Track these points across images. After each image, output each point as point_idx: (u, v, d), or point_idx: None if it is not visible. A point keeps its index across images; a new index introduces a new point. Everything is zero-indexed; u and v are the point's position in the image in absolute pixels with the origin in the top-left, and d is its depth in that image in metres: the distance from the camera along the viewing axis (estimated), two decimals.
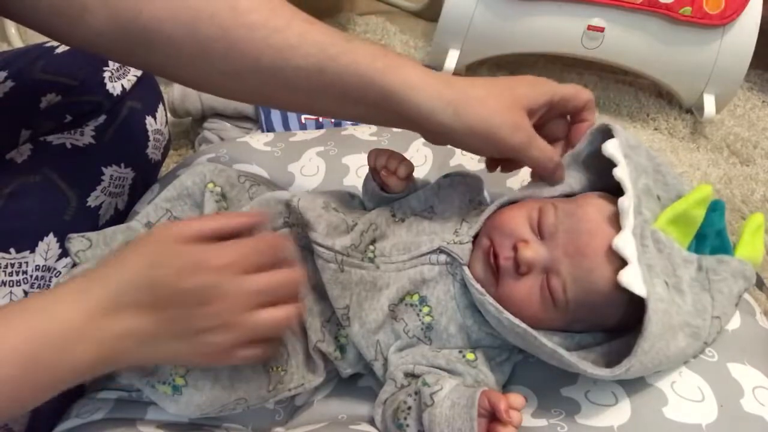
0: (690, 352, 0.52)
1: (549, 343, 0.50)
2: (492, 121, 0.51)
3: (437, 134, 0.53)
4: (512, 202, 0.57)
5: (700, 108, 1.20)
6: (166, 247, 0.45)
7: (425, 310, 0.54)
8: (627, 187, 0.51)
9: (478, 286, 0.52)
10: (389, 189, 0.59)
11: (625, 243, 0.49)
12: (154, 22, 0.50)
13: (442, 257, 0.55)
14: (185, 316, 0.44)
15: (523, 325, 0.50)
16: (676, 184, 0.56)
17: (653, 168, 0.55)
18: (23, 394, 0.41)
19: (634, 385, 0.52)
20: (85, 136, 0.68)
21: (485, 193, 0.63)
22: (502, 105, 0.51)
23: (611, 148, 0.53)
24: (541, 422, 0.52)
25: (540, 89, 0.54)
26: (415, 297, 0.55)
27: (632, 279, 0.47)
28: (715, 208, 0.55)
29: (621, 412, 0.51)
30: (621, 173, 0.51)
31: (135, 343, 0.44)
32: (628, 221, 0.49)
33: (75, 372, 0.43)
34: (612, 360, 0.50)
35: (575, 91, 0.56)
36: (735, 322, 0.58)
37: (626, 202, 0.50)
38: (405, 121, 0.53)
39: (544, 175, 0.56)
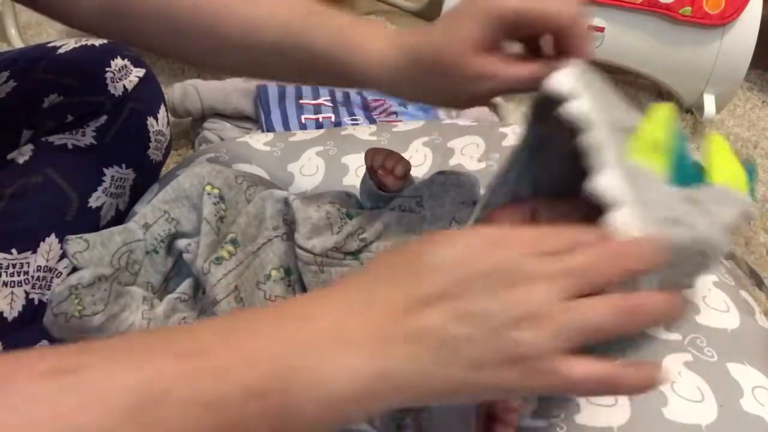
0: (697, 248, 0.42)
1: None
2: (453, 80, 0.46)
3: (399, 94, 0.52)
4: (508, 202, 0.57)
5: (700, 108, 1.20)
6: (438, 240, 0.35)
7: None
8: (589, 120, 0.40)
9: None
10: (386, 188, 0.59)
11: (608, 183, 0.37)
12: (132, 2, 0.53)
13: None
14: (485, 304, 0.32)
15: None
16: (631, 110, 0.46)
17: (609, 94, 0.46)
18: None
19: None
20: (87, 137, 0.68)
21: (480, 194, 0.63)
22: (460, 59, 0.45)
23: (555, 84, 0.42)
24: (541, 422, 0.52)
25: (491, 19, 0.44)
26: None
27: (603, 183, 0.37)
28: (680, 137, 0.45)
29: (621, 412, 0.51)
30: (572, 108, 0.40)
31: (412, 357, 0.32)
32: (603, 156, 0.38)
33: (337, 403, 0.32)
34: None
35: (539, 14, 0.44)
36: (735, 322, 0.58)
37: (593, 137, 0.39)
38: (358, 85, 0.55)
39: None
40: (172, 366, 0.30)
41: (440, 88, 0.47)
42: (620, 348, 0.38)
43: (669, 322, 0.37)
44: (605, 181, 0.37)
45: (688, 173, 0.44)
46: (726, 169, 0.47)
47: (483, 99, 0.48)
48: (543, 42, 0.47)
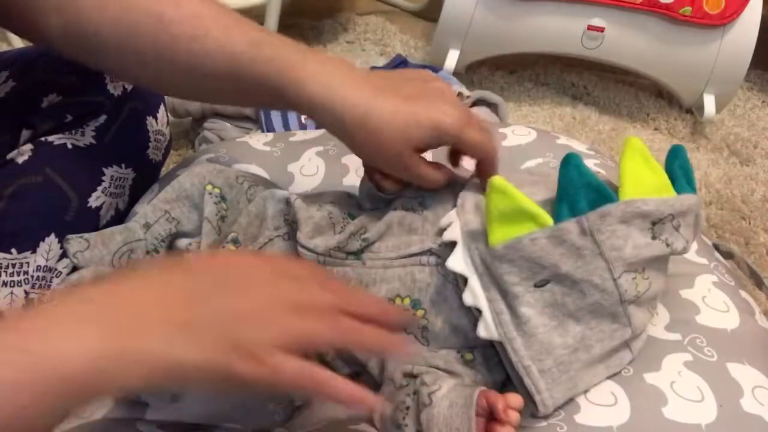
0: (607, 318, 0.49)
1: (514, 357, 0.50)
2: (379, 154, 0.54)
3: (334, 135, 0.56)
4: None
5: (700, 108, 1.20)
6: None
7: (419, 313, 0.54)
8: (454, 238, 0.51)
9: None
10: (385, 190, 0.59)
11: (467, 299, 0.50)
12: (96, 33, 0.55)
13: (433, 259, 0.55)
14: (220, 301, 0.39)
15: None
16: None
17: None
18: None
19: (633, 385, 0.52)
20: (86, 137, 0.68)
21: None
22: (395, 146, 0.52)
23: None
24: (541, 422, 0.52)
25: (438, 134, 0.53)
26: (407, 301, 0.54)
27: (483, 330, 0.49)
28: (567, 162, 0.47)
29: (620, 412, 0.51)
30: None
31: (152, 336, 0.37)
32: (468, 272, 0.50)
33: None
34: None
35: (475, 145, 0.54)
36: (735, 322, 0.58)
37: (452, 262, 0.51)
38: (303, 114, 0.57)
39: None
40: None
41: (372, 155, 0.55)
42: None
43: (383, 354, 0.48)
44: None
45: (588, 201, 0.46)
46: (634, 177, 0.47)
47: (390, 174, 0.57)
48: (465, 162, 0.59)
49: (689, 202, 0.48)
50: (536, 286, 0.48)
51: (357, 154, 0.57)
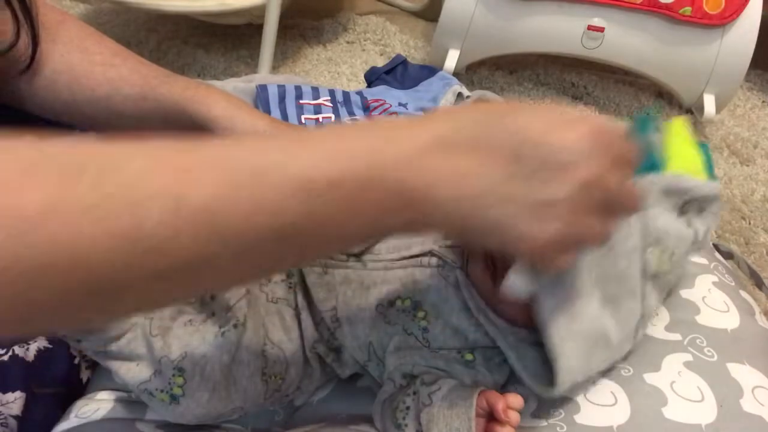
0: (626, 293, 0.49)
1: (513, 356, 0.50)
2: None
3: None
4: None
5: (700, 108, 1.20)
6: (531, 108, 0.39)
7: (420, 314, 0.54)
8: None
9: (471, 291, 0.53)
10: None
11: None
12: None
13: (434, 260, 0.55)
14: (535, 176, 0.36)
15: (502, 335, 0.51)
16: None
17: None
18: (343, 220, 0.34)
19: (633, 385, 0.52)
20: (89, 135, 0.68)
21: None
22: None
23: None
24: (541, 422, 0.52)
25: None
26: (407, 302, 0.54)
27: (514, 283, 0.44)
28: (639, 119, 0.46)
29: (620, 412, 0.51)
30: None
31: (462, 186, 0.35)
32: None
33: (382, 207, 0.34)
34: None
35: None
36: (735, 322, 0.58)
37: None
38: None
39: None
40: (272, 152, 0.33)
41: None
42: None
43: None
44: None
45: (647, 165, 0.46)
46: (682, 156, 0.49)
47: None
48: None
49: (717, 191, 0.50)
50: None
51: None
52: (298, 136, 0.35)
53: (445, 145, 0.35)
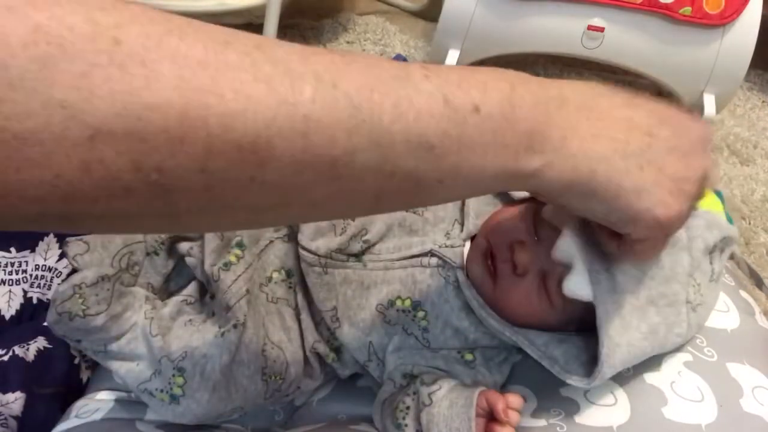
0: (672, 320, 0.50)
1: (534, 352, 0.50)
2: None
3: None
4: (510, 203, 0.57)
5: (700, 108, 1.20)
6: None
7: (420, 314, 0.54)
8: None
9: (471, 291, 0.53)
10: None
11: (563, 248, 0.47)
12: None
13: (434, 260, 0.55)
14: (674, 151, 0.39)
15: (508, 331, 0.51)
16: None
17: None
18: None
19: (633, 385, 0.52)
20: None
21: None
22: None
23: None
24: (541, 422, 0.52)
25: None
26: (407, 302, 0.54)
27: (574, 285, 0.46)
28: None
29: (620, 412, 0.51)
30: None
31: (595, 149, 0.36)
32: (567, 224, 0.47)
33: (520, 146, 0.34)
34: None
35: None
36: (735, 322, 0.58)
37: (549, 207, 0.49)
38: None
39: None
40: (417, 71, 0.32)
41: None
42: None
43: None
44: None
45: None
46: (706, 199, 0.51)
47: None
48: None
49: (737, 235, 0.53)
50: None
51: None
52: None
53: (584, 107, 0.36)
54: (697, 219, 0.50)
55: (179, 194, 0.27)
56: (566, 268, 0.48)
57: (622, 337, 0.46)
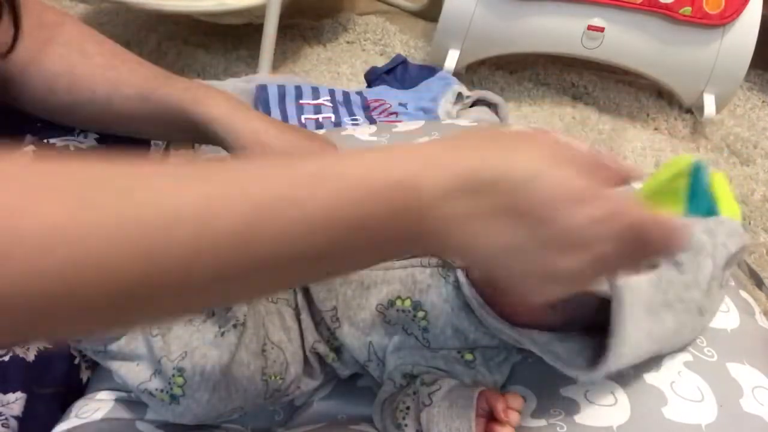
0: (684, 327, 0.50)
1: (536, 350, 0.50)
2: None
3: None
4: None
5: (700, 108, 1.20)
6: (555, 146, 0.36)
7: (420, 315, 0.54)
8: None
9: (471, 291, 0.53)
10: None
11: None
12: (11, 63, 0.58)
13: (434, 260, 0.55)
14: (550, 245, 0.35)
15: (509, 330, 0.51)
16: None
17: None
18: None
19: (633, 385, 0.52)
20: (89, 139, 0.67)
21: None
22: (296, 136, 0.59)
23: None
24: (541, 422, 0.52)
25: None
26: (407, 302, 0.54)
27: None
28: (699, 168, 0.51)
29: (620, 412, 0.51)
30: None
31: (476, 239, 0.34)
32: None
33: (402, 242, 0.35)
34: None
35: None
36: (735, 322, 0.58)
37: None
38: (214, 143, 0.61)
39: None
40: (293, 175, 0.32)
41: None
42: None
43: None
44: None
45: (703, 208, 0.52)
46: (728, 203, 0.53)
47: None
48: None
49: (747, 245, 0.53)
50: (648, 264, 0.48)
51: None
52: (318, 163, 0.34)
53: (467, 190, 0.34)
54: (721, 226, 0.50)
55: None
56: None
57: (632, 335, 0.46)
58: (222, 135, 0.58)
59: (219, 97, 0.60)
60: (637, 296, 0.47)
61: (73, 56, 0.61)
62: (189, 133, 0.62)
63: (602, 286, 0.46)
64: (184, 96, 0.59)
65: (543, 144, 0.36)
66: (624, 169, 0.39)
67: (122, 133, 0.69)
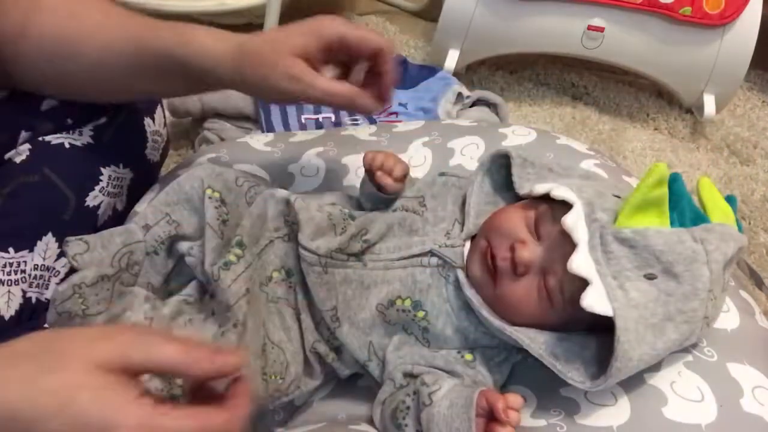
0: (688, 335, 0.50)
1: (538, 350, 0.50)
2: (269, 76, 0.55)
3: (236, 88, 0.60)
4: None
5: (700, 108, 1.20)
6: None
7: (420, 314, 0.54)
8: (571, 199, 0.50)
9: (471, 291, 0.53)
10: (385, 191, 0.59)
11: (580, 264, 0.48)
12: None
13: (434, 260, 0.55)
14: None
15: (509, 329, 0.51)
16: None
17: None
18: None
19: (633, 385, 0.52)
20: (84, 136, 0.67)
21: None
22: (277, 58, 0.55)
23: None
24: (541, 422, 0.52)
25: (317, 35, 0.55)
26: (407, 302, 0.54)
27: (594, 301, 0.47)
28: (675, 179, 0.52)
29: (620, 412, 0.51)
30: (559, 191, 0.52)
31: None
32: (580, 237, 0.48)
33: None
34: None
35: (360, 38, 0.55)
36: (735, 322, 0.58)
37: (570, 218, 0.49)
38: (208, 86, 0.61)
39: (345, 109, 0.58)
40: None
41: (260, 82, 0.56)
42: None
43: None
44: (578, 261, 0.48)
45: (687, 218, 0.51)
46: (718, 208, 0.53)
47: (292, 99, 0.59)
48: (355, 70, 0.57)
49: (747, 242, 0.53)
50: (646, 277, 0.48)
51: (254, 93, 0.62)
52: None
53: None
54: (711, 233, 0.50)
55: None
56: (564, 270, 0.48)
57: (635, 351, 0.47)
58: (208, 68, 0.57)
59: (204, 32, 0.58)
60: (639, 312, 0.47)
61: (62, 20, 0.60)
62: (182, 79, 0.60)
63: (603, 306, 0.46)
64: (173, 40, 0.58)
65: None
66: None
67: (116, 98, 0.68)
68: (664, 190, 0.50)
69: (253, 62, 0.55)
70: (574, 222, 0.49)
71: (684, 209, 0.52)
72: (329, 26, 0.56)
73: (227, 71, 0.56)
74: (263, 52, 0.55)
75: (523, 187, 0.56)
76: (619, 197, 0.52)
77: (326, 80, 0.55)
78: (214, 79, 0.58)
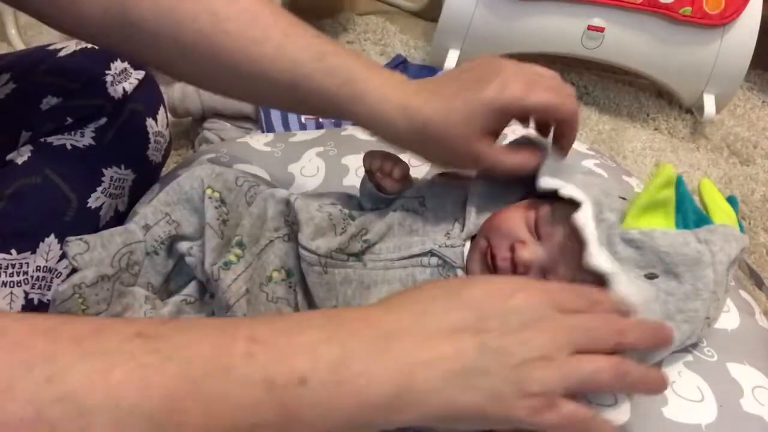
0: (688, 335, 0.51)
1: None
2: (451, 160, 0.55)
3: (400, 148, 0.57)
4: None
5: (700, 108, 1.20)
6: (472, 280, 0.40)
7: None
8: (579, 198, 0.50)
9: None
10: (385, 190, 0.59)
11: (599, 259, 0.48)
12: (140, 20, 0.52)
13: (434, 260, 0.55)
14: (505, 341, 0.37)
15: None
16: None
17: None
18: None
19: None
20: (86, 137, 0.68)
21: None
22: (462, 143, 0.51)
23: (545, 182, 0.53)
24: None
25: (504, 113, 0.51)
26: None
27: (624, 288, 0.47)
28: (678, 181, 0.52)
29: (620, 412, 0.51)
30: (567, 190, 0.51)
31: (438, 377, 0.36)
32: (592, 234, 0.49)
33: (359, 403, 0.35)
34: None
35: (557, 104, 0.51)
36: (735, 322, 0.58)
37: (581, 216, 0.49)
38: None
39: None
40: (239, 346, 0.34)
41: (441, 156, 0.54)
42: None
43: (648, 392, 0.43)
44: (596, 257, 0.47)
45: (691, 220, 0.51)
46: (720, 209, 0.53)
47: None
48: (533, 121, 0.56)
49: (748, 243, 0.53)
50: (646, 276, 0.49)
51: (432, 161, 0.58)
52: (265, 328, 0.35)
53: (410, 332, 0.37)
54: (715, 234, 0.50)
55: None
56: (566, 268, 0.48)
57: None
58: (380, 131, 0.54)
59: (378, 92, 0.52)
60: (639, 311, 0.47)
61: (205, 19, 0.52)
62: (341, 118, 0.56)
63: (632, 293, 0.46)
64: (339, 92, 0.52)
65: None
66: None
67: (238, 99, 0.65)
68: (671, 192, 0.50)
69: (435, 142, 0.52)
70: (586, 220, 0.49)
71: (687, 211, 0.52)
72: (511, 99, 0.50)
73: (396, 137, 0.53)
74: (449, 137, 0.51)
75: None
76: (624, 199, 0.53)
77: (511, 155, 0.54)
78: (377, 135, 0.55)
